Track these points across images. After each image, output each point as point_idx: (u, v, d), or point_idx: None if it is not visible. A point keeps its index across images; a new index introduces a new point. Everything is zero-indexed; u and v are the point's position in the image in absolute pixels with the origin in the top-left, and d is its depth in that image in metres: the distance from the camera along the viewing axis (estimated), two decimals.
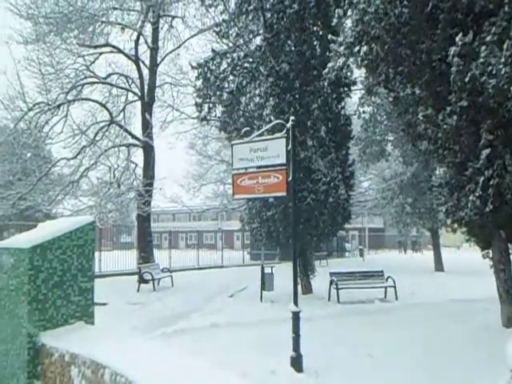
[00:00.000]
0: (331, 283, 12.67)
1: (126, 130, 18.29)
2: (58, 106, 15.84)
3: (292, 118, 6.53)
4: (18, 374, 4.21)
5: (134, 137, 18.31)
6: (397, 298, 12.48)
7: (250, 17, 13.73)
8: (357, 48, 7.90)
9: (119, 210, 16.74)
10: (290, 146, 6.37)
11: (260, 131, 7.28)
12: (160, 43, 18.42)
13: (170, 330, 8.92)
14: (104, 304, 10.93)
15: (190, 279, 18.72)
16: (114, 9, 16.45)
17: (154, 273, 15.90)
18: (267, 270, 13.05)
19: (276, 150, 6.43)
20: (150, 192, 17.72)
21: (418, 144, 9.52)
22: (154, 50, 18.05)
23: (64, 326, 4.31)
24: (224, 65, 13.89)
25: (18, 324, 4.21)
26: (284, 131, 6.52)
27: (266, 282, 12.85)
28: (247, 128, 8.04)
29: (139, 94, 18.37)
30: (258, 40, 14.10)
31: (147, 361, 3.30)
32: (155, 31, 17.97)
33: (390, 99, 10.44)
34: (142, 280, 15.79)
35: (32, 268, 4.08)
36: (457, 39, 6.81)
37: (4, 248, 4.43)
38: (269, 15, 12.43)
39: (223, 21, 14.25)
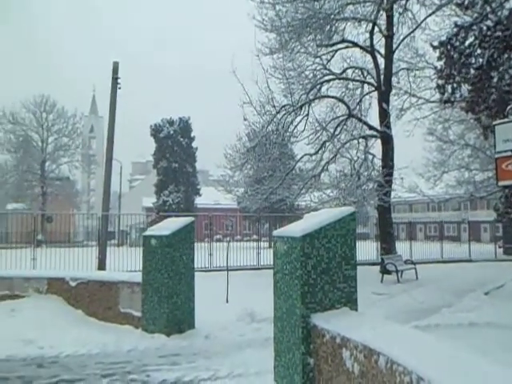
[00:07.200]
0: None
1: (363, 122, 18.50)
2: (301, 107, 17.01)
3: None
4: (293, 349, 4.69)
5: (371, 128, 18.37)
6: None
7: None
8: None
9: (359, 201, 17.01)
10: None
11: None
12: (394, 29, 17.94)
13: (423, 324, 8.63)
14: None
15: (434, 272, 17.88)
16: (348, 4, 16.73)
17: (397, 264, 15.66)
18: None
19: None
20: (390, 182, 17.48)
21: None
22: (389, 37, 17.66)
23: (331, 310, 4.63)
24: (470, 39, 12.54)
25: (292, 305, 4.69)
26: None
27: None
28: None
29: (375, 84, 18.30)
30: (511, 3, 12.26)
31: (422, 351, 3.24)
32: (389, 18, 17.55)
33: None
34: (385, 271, 15.78)
35: (303, 255, 4.50)
36: None
37: (278, 236, 5.01)
38: None
39: None
